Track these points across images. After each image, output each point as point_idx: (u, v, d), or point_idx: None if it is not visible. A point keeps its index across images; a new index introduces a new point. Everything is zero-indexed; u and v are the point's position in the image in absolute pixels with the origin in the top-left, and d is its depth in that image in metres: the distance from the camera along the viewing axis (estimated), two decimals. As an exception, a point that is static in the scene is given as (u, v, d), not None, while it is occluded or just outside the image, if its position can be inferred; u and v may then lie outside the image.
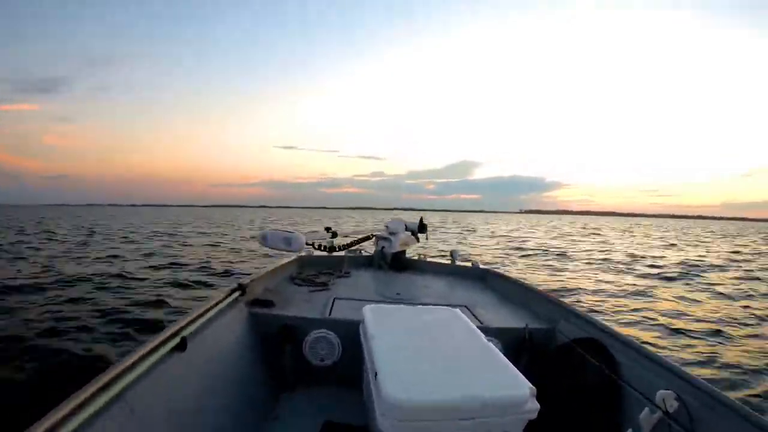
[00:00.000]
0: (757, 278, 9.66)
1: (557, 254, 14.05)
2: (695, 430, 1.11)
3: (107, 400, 0.93)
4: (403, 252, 3.25)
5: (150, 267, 8.49)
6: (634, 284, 8.14)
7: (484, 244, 17.57)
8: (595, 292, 7.20)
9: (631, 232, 36.28)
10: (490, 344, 1.30)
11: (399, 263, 3.15)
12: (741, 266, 12.24)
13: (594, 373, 1.46)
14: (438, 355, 1.20)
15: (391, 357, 1.16)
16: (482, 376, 1.08)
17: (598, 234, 30.08)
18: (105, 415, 0.91)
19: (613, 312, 5.73)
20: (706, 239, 27.94)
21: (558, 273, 9.54)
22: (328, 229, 2.77)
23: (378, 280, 2.78)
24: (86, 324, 4.26)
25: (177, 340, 1.27)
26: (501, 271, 2.91)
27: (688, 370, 1.27)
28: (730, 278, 9.60)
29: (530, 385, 1.05)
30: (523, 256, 13.26)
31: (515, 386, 1.05)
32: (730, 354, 4.12)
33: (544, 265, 10.99)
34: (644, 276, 9.43)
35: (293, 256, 2.87)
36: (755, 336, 4.84)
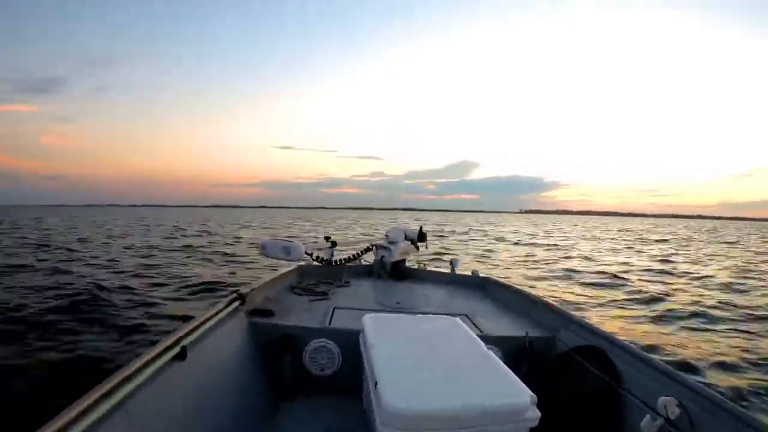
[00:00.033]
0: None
1: (657, 272, 9.75)
2: None
3: (108, 408, 0.93)
4: (403, 261, 3.25)
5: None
6: None
7: (516, 258, 12.38)
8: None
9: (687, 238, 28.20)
10: (491, 353, 1.30)
11: (399, 272, 3.15)
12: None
13: (595, 381, 1.46)
14: (438, 364, 1.20)
15: (392, 366, 1.16)
16: (482, 385, 1.08)
17: (659, 241, 22.72)
18: (105, 423, 0.91)
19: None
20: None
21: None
22: (327, 238, 2.77)
23: (378, 290, 2.78)
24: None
25: (177, 349, 1.27)
26: (501, 279, 2.90)
27: (689, 376, 1.27)
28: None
29: (531, 393, 1.05)
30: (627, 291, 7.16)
31: (516, 394, 1.04)
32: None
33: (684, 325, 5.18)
34: None
35: (293, 266, 2.87)
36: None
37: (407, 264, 3.32)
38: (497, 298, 2.66)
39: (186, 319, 1.53)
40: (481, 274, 3.09)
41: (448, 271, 3.25)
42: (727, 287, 8.11)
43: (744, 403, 3.11)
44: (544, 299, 2.27)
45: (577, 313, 2.04)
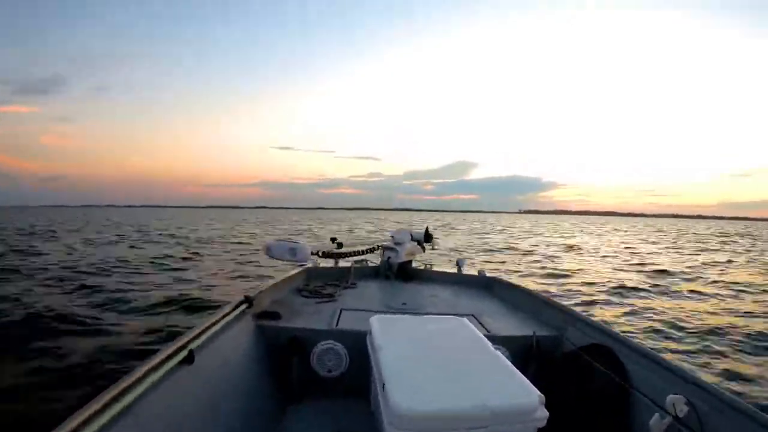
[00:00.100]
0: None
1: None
2: None
3: (115, 413, 0.93)
4: (410, 262, 3.26)
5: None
6: None
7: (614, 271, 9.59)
8: None
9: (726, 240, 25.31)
10: (498, 353, 1.30)
11: (405, 273, 3.16)
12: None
13: (603, 380, 1.45)
14: (446, 364, 1.20)
15: (399, 367, 1.16)
16: (490, 385, 1.08)
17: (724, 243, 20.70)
18: (114, 428, 0.91)
19: None
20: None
21: None
22: (333, 239, 2.79)
23: (384, 291, 2.78)
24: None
25: (185, 353, 1.27)
26: (507, 278, 2.90)
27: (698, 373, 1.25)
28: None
29: (539, 392, 1.05)
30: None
31: (524, 394, 1.04)
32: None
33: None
34: None
35: (300, 268, 2.88)
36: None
37: (413, 265, 3.32)
38: (504, 298, 2.65)
39: (189, 324, 1.52)
40: (487, 274, 3.09)
41: (454, 271, 3.25)
42: None
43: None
44: (551, 298, 2.27)
45: (584, 312, 2.04)
